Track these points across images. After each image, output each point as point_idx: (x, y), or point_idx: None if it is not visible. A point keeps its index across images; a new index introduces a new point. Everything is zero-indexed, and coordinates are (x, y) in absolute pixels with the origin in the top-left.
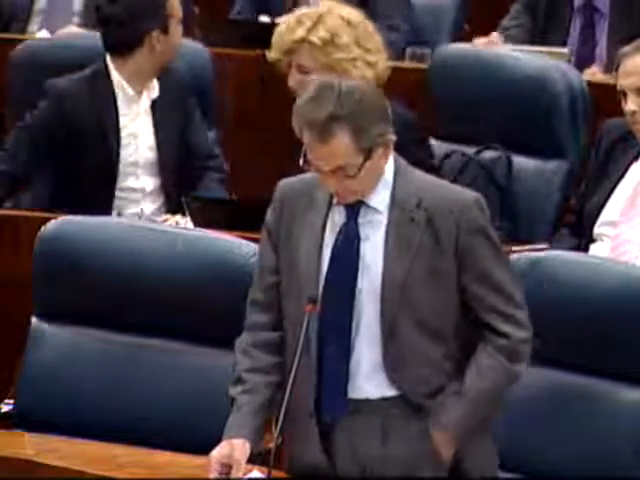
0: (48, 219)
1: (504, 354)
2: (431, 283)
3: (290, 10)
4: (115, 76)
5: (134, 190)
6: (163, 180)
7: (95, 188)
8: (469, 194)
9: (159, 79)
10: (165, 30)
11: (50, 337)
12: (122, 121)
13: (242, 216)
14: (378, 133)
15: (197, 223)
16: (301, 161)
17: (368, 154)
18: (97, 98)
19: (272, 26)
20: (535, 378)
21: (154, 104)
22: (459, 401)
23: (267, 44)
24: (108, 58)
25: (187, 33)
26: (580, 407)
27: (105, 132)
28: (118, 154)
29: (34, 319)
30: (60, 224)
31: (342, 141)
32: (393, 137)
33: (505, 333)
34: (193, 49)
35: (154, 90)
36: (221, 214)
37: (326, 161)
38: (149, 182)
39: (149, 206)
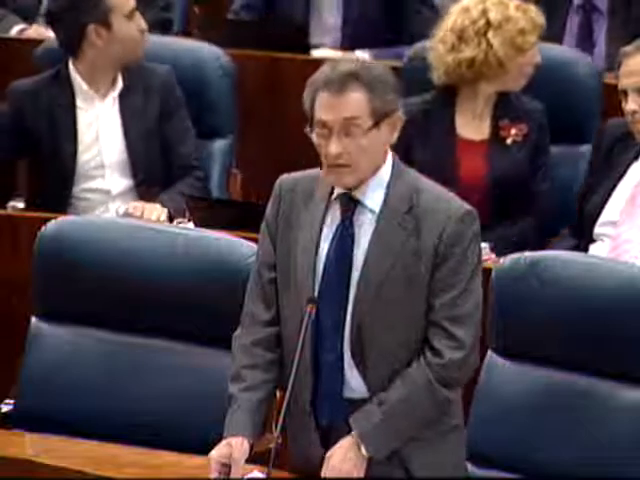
0: (48, 219)
1: (435, 374)
2: (404, 288)
3: (302, 8)
4: (75, 77)
5: (100, 191)
6: (136, 181)
7: (51, 190)
8: (461, 206)
9: (133, 77)
10: (106, 24)
11: (50, 337)
12: (82, 123)
13: (242, 216)
14: (391, 101)
15: (197, 223)
16: (307, 128)
17: (378, 121)
18: (55, 101)
19: (273, 26)
20: (535, 378)
21: (123, 104)
22: (375, 411)
23: (268, 44)
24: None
25: (187, 33)
26: (580, 407)
27: (59, 136)
28: (75, 158)
29: (34, 319)
30: (60, 224)
31: (356, 96)
32: (402, 116)
33: (441, 353)
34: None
35: (117, 87)
36: (221, 214)
37: (337, 111)
38: (119, 183)
39: (120, 207)
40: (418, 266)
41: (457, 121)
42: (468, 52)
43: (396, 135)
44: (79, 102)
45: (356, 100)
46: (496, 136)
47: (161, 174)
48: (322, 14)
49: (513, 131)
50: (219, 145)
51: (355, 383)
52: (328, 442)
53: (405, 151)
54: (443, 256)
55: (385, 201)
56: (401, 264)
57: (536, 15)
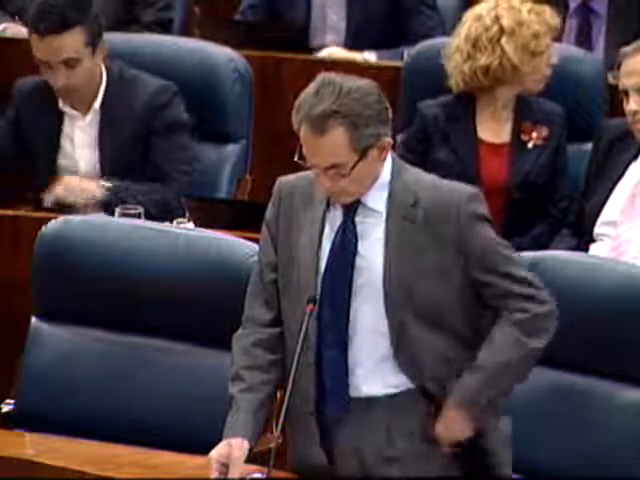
0: (48, 219)
1: (519, 328)
2: (436, 280)
3: (304, 9)
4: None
5: None
6: None
7: (38, 190)
8: (465, 189)
9: (120, 89)
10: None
11: (50, 337)
12: (64, 130)
13: (243, 216)
14: (374, 133)
15: (197, 223)
16: (296, 156)
17: (362, 154)
18: (45, 105)
19: (272, 26)
20: (535, 378)
21: (102, 116)
22: (472, 376)
23: (266, 44)
24: None
25: (187, 33)
26: (580, 407)
27: (43, 139)
28: (54, 163)
29: (34, 319)
30: (60, 224)
31: (337, 137)
32: (390, 140)
33: (523, 308)
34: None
35: (98, 99)
36: (222, 214)
37: (320, 157)
38: None
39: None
40: (443, 257)
41: (478, 125)
42: (483, 60)
43: (388, 154)
44: (66, 110)
45: (337, 143)
46: (518, 139)
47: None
48: (326, 14)
49: (534, 134)
50: (230, 150)
51: (363, 381)
52: (330, 442)
53: (424, 150)
54: (467, 242)
55: (389, 200)
56: (423, 259)
57: (550, 17)
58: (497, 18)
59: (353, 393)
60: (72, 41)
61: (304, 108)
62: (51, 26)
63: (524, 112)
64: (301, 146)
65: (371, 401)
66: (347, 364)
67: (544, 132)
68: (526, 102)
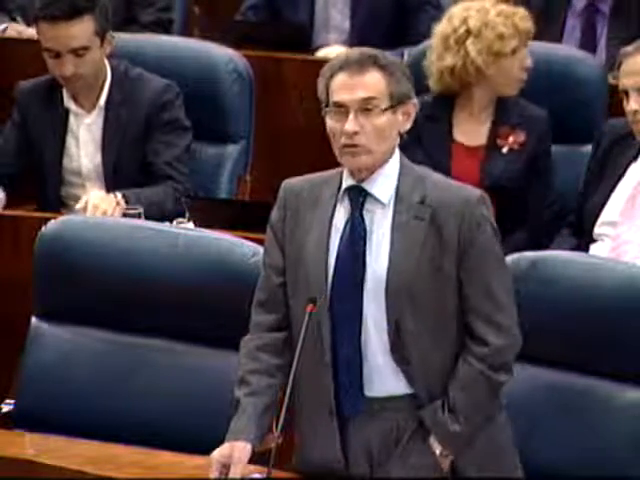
0: (48, 219)
1: (485, 363)
2: (435, 280)
3: (307, 9)
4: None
5: (80, 199)
6: (107, 192)
7: (41, 192)
8: (473, 191)
9: (124, 87)
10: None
11: (50, 337)
12: (70, 130)
13: (243, 216)
14: (406, 90)
15: (197, 223)
16: (323, 111)
17: (395, 104)
18: (50, 104)
19: (272, 26)
20: (535, 378)
21: (107, 115)
22: (454, 421)
23: (267, 44)
24: None
25: (187, 33)
26: (580, 407)
27: (48, 140)
28: (60, 164)
29: (34, 319)
30: (60, 224)
31: (376, 76)
32: (415, 101)
33: (485, 341)
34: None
35: (102, 98)
36: (222, 214)
37: (355, 92)
38: None
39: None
40: (443, 257)
41: (455, 126)
42: (448, 60)
43: (409, 124)
44: (72, 107)
45: (374, 81)
46: (493, 143)
47: (136, 186)
48: (329, 14)
49: (510, 139)
50: (230, 150)
51: (373, 380)
52: (346, 439)
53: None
54: (469, 242)
55: (397, 194)
56: (426, 257)
57: (520, 20)
58: (465, 19)
59: (369, 393)
60: (82, 29)
61: (339, 60)
62: (61, 13)
63: (503, 115)
64: (327, 101)
65: (382, 400)
66: (362, 363)
67: (521, 137)
68: (506, 105)
